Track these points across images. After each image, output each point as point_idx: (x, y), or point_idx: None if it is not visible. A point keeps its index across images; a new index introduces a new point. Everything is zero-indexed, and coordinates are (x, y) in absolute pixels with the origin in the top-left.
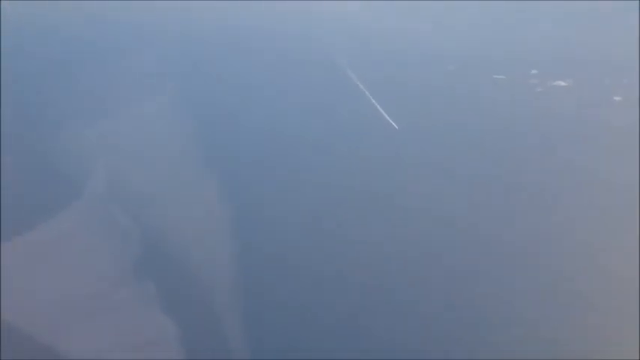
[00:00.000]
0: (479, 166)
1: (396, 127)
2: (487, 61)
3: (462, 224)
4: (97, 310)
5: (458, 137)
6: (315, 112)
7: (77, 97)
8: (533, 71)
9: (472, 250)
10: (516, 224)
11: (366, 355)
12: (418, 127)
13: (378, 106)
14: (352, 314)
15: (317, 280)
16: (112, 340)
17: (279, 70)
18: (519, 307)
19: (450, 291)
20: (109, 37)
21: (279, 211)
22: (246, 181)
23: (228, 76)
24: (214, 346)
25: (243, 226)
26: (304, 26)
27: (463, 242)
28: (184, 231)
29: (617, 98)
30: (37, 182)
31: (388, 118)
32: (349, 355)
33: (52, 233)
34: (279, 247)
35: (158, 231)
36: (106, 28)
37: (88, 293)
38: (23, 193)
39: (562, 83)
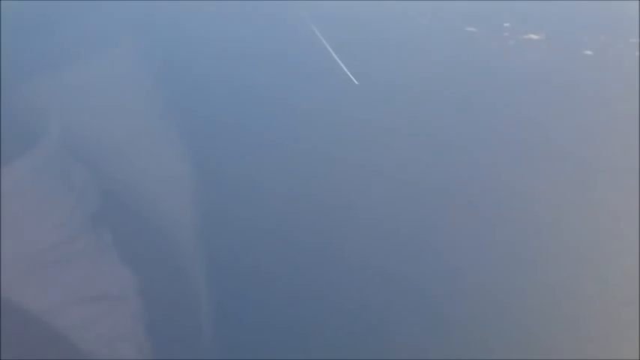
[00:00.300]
0: (450, 120)
1: (356, 82)
2: (459, 14)
3: (428, 192)
4: (53, 263)
5: (428, 91)
6: (270, 63)
7: (36, 49)
8: (506, 24)
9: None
10: (494, 189)
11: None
12: (386, 82)
13: (339, 61)
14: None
15: (286, 237)
16: (69, 293)
17: (240, 18)
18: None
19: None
20: None
21: (243, 163)
22: (209, 126)
23: (193, 26)
24: (176, 298)
25: (207, 175)
26: None
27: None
28: (145, 181)
29: (588, 52)
30: None
31: (348, 73)
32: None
33: (6, 183)
34: (242, 196)
35: (118, 181)
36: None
37: (44, 245)
38: None
39: (534, 36)
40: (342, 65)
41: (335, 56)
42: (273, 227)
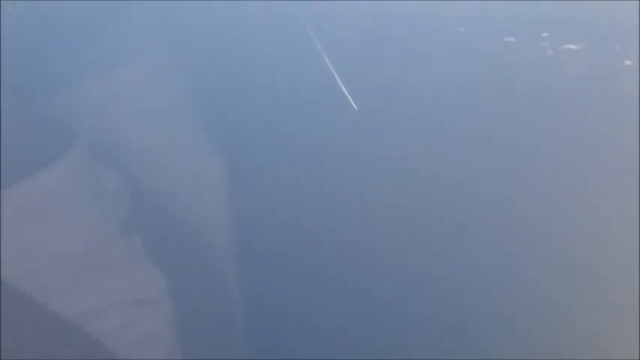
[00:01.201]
0: (483, 131)
1: (356, 107)
2: (497, 23)
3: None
4: (88, 268)
5: (466, 101)
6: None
7: (69, 57)
8: (544, 34)
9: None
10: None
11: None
12: (424, 89)
13: (341, 84)
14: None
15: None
16: (105, 298)
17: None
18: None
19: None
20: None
21: (270, 168)
22: (238, 135)
23: (211, 41)
24: (210, 302)
25: (237, 180)
26: None
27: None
28: (178, 186)
29: (628, 63)
30: (24, 137)
31: (348, 96)
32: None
33: (40, 189)
34: (269, 199)
35: (151, 186)
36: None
37: (79, 250)
38: (11, 147)
39: (573, 47)
40: (343, 88)
41: (338, 79)
42: (301, 230)
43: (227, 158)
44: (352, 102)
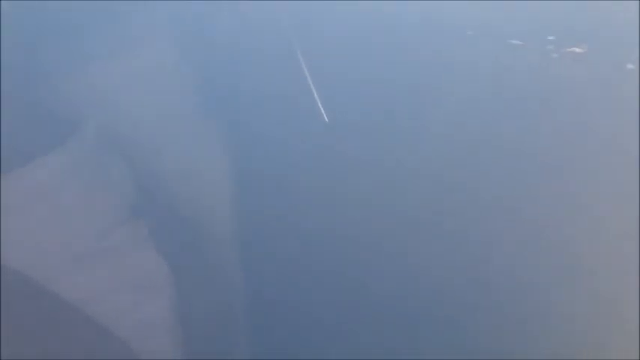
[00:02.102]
0: (485, 132)
1: (326, 119)
2: (504, 27)
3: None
4: (91, 253)
5: (471, 104)
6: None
7: (74, 44)
8: (550, 37)
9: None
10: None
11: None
12: (436, 91)
13: (316, 96)
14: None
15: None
16: (106, 284)
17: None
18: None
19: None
20: None
21: (268, 165)
22: (240, 125)
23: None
24: (209, 291)
25: (238, 167)
26: None
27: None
28: (181, 173)
29: (630, 66)
30: (31, 125)
31: (321, 108)
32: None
33: (46, 175)
34: (272, 192)
35: (154, 173)
36: None
37: (82, 235)
38: (18, 135)
39: (577, 50)
40: (317, 99)
41: (313, 90)
42: (300, 225)
43: (228, 149)
44: (324, 114)
